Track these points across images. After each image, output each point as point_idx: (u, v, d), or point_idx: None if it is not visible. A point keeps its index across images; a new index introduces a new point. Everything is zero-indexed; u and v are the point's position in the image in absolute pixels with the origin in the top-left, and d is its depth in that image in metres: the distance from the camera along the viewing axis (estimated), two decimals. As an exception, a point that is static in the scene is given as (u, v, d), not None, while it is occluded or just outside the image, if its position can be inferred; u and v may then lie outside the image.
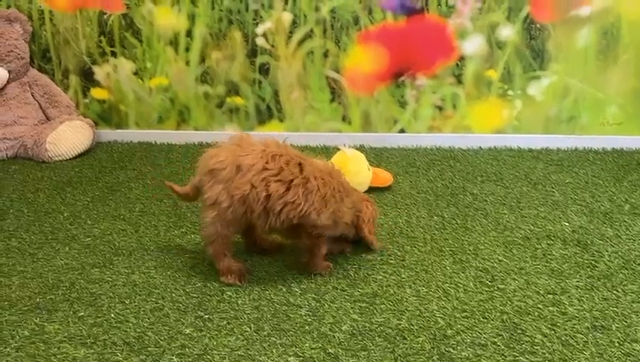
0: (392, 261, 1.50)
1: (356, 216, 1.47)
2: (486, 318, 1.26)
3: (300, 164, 1.37)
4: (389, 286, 1.38)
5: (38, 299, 1.37)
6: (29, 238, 1.67)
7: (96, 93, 2.53)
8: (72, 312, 1.32)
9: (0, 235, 1.69)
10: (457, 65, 2.27)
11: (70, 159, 2.33)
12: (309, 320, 1.27)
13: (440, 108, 2.33)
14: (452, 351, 1.15)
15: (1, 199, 1.96)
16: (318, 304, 1.33)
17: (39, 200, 1.94)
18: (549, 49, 2.23)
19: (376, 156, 2.25)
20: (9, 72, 2.39)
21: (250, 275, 1.44)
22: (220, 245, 1.42)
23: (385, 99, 2.34)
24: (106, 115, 2.55)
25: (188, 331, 1.24)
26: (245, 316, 1.29)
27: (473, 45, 2.25)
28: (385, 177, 1.93)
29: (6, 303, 1.36)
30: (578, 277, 1.41)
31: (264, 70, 2.39)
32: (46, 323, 1.28)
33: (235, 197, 1.35)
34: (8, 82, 2.41)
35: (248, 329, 1.25)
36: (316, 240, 1.41)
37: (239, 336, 1.23)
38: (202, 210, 1.43)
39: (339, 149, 1.94)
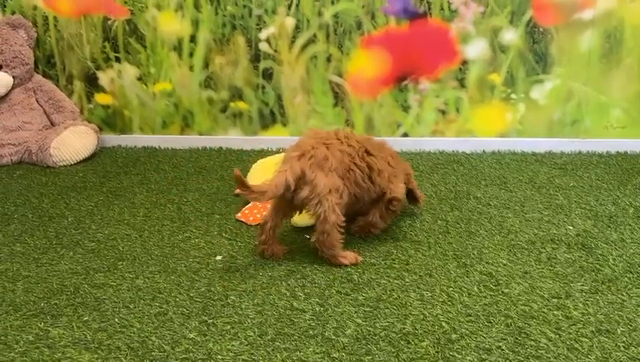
0: (396, 265, 1.49)
1: (407, 177, 1.68)
2: (490, 322, 1.25)
3: (364, 145, 1.56)
4: (393, 290, 1.38)
5: (42, 304, 1.37)
6: (34, 243, 1.68)
7: (101, 98, 2.54)
8: (76, 317, 1.32)
9: (5, 240, 1.70)
10: (460, 69, 2.27)
11: (74, 164, 2.34)
12: (313, 324, 1.27)
13: (443, 112, 2.33)
14: (456, 355, 1.15)
15: (5, 204, 1.97)
16: (322, 308, 1.32)
17: (43, 205, 1.95)
18: (552, 52, 2.23)
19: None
20: (14, 77, 2.41)
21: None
22: (337, 232, 1.47)
23: (388, 104, 2.34)
24: (110, 120, 2.56)
25: (192, 335, 1.24)
26: (249, 320, 1.29)
27: (476, 49, 2.25)
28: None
29: (10, 308, 1.36)
30: (583, 281, 1.40)
31: (267, 75, 2.40)
32: (50, 328, 1.28)
33: (351, 178, 1.50)
34: (13, 88, 2.43)
35: (252, 333, 1.25)
36: (387, 213, 1.61)
37: (243, 341, 1.23)
38: (311, 206, 1.45)
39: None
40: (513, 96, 2.29)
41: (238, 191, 1.42)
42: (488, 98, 2.30)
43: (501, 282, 1.40)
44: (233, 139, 2.48)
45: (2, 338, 1.26)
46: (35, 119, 2.46)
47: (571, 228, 1.67)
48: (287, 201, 1.49)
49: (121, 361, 1.17)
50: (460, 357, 1.15)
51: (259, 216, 1.77)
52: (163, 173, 2.24)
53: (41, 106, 2.49)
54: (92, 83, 2.52)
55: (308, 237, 1.65)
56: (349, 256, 1.50)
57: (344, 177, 1.49)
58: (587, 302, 1.32)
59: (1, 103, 2.41)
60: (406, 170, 1.70)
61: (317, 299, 1.36)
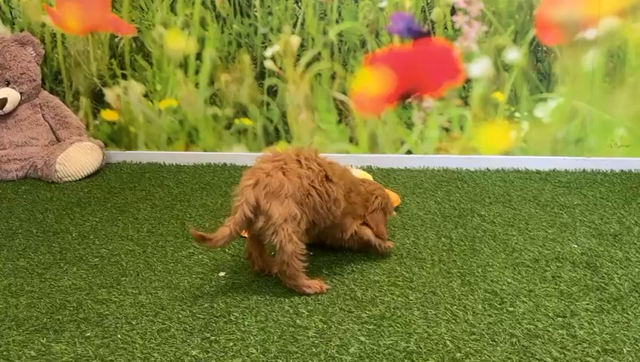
0: (399, 282, 1.49)
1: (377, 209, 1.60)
2: (495, 341, 1.24)
3: (325, 170, 1.49)
4: (397, 308, 1.37)
5: (45, 319, 1.37)
6: (38, 258, 1.68)
7: (107, 114, 2.56)
8: (79, 333, 1.32)
9: (9, 255, 1.70)
10: (464, 87, 2.28)
11: (79, 180, 2.35)
12: (316, 342, 1.26)
13: (447, 130, 2.33)
14: (461, 374, 1.14)
15: (10, 219, 1.97)
16: (325, 326, 1.32)
17: (48, 220, 1.96)
18: (556, 71, 2.24)
19: (383, 177, 2.25)
20: (21, 93, 2.43)
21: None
22: (299, 262, 1.42)
23: (392, 121, 2.35)
24: (116, 136, 2.58)
25: (194, 352, 1.23)
26: (252, 337, 1.29)
27: (480, 68, 2.26)
28: (392, 198, 1.93)
29: (13, 323, 1.36)
30: (588, 299, 1.39)
31: (272, 92, 2.42)
32: (53, 344, 1.28)
33: (310, 204, 1.43)
34: (20, 104, 2.46)
35: (255, 350, 1.24)
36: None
37: (246, 358, 1.22)
38: (266, 236, 1.40)
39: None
40: (517, 114, 2.29)
41: (201, 244, 1.42)
42: (492, 116, 2.30)
43: (506, 300, 1.39)
44: (238, 155, 2.49)
45: (4, 353, 1.25)
46: (42, 135, 2.48)
47: (576, 246, 1.66)
48: None
49: (123, 378, 1.16)
50: (464, 376, 1.13)
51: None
52: (167, 188, 2.25)
53: (48, 122, 2.51)
54: (98, 99, 2.55)
55: (311, 253, 1.65)
56: (313, 285, 1.44)
57: (302, 203, 1.41)
58: (592, 321, 1.30)
59: (8, 119, 2.43)
60: (374, 205, 1.58)
61: (320, 317, 1.35)
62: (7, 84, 2.40)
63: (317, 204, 1.44)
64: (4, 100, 2.36)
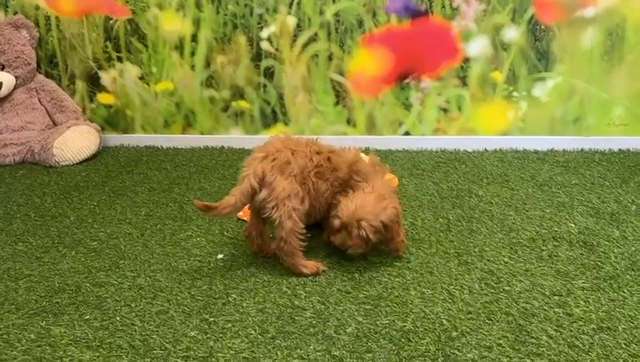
0: (397, 263, 1.49)
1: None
2: (491, 320, 1.25)
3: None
4: (394, 288, 1.38)
5: (44, 303, 1.38)
6: (36, 242, 1.68)
7: (103, 98, 2.55)
8: (77, 315, 1.33)
9: (7, 239, 1.71)
10: (462, 67, 2.27)
11: (77, 164, 2.34)
12: (314, 322, 1.27)
13: (445, 111, 2.32)
14: (457, 352, 1.15)
15: (8, 204, 1.97)
16: (322, 306, 1.32)
17: (46, 204, 1.96)
18: (554, 50, 2.22)
19: (381, 159, 2.23)
20: (16, 77, 2.41)
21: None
22: (297, 239, 1.44)
23: (390, 102, 2.34)
24: (113, 120, 2.56)
25: (193, 334, 1.24)
26: (250, 319, 1.29)
27: (478, 47, 2.24)
28: (390, 180, 1.93)
29: (13, 307, 1.37)
30: (584, 278, 1.40)
31: (269, 74, 2.40)
32: (52, 327, 1.29)
33: (310, 188, 1.46)
34: (15, 88, 2.44)
35: (253, 331, 1.25)
36: None
37: (244, 339, 1.23)
38: (267, 209, 1.41)
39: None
40: (515, 94, 2.28)
41: (206, 214, 1.44)
42: (490, 96, 2.29)
43: (502, 280, 1.40)
44: (235, 138, 2.48)
45: (4, 336, 1.26)
46: (38, 119, 2.46)
47: (573, 225, 1.66)
48: None
49: (123, 359, 1.17)
50: (460, 354, 1.14)
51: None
52: (165, 172, 2.25)
53: (44, 106, 2.49)
54: (94, 82, 2.53)
55: (309, 235, 1.65)
56: (310, 266, 1.45)
57: (302, 184, 1.44)
58: (588, 299, 1.31)
59: (4, 103, 2.42)
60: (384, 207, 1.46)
61: (318, 297, 1.36)
62: (2, 68, 2.38)
63: (318, 190, 1.48)
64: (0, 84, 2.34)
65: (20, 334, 1.27)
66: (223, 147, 2.49)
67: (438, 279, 1.41)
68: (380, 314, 1.29)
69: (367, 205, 1.43)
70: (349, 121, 2.39)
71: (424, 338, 1.19)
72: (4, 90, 2.37)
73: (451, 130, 2.34)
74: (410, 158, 2.25)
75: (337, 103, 2.38)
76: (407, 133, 2.36)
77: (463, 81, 2.28)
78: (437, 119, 2.33)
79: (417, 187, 1.98)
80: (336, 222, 1.45)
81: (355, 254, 1.48)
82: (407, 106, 2.33)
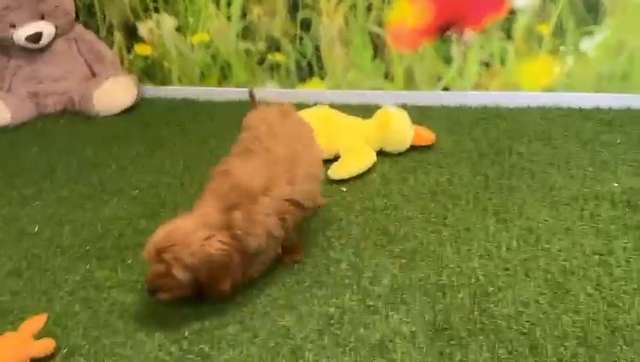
0: (433, 219, 1.48)
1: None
2: (529, 277, 1.24)
3: None
4: (430, 243, 1.38)
5: (88, 247, 1.43)
6: (79, 190, 1.73)
7: (140, 49, 2.55)
8: (120, 260, 1.37)
9: (51, 186, 1.76)
10: (507, 19, 2.17)
11: (115, 114, 2.38)
12: (349, 273, 1.28)
13: (487, 65, 2.25)
14: (493, 307, 1.15)
15: (51, 152, 2.03)
16: (357, 259, 1.33)
17: (87, 153, 2.00)
18: (604, 2, 2.10)
19: (419, 114, 2.20)
20: (56, 27, 2.43)
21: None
22: None
23: (429, 55, 2.28)
24: (150, 71, 2.58)
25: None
26: (286, 268, 1.31)
27: (524, -2, 2.14)
28: (427, 136, 1.90)
29: (58, 250, 1.42)
30: (626, 238, 1.36)
31: (305, 25, 2.35)
32: (96, 270, 1.34)
33: None
34: (55, 38, 2.46)
35: (289, 280, 1.27)
36: None
37: (281, 287, 1.25)
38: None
39: (380, 107, 1.92)
40: (562, 48, 2.18)
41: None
42: (535, 50, 2.20)
43: (541, 238, 1.38)
44: (270, 92, 2.47)
45: (51, 277, 1.32)
46: (77, 69, 2.49)
47: (616, 185, 1.61)
48: None
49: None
50: (496, 309, 1.14)
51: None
52: (201, 124, 2.26)
53: (83, 56, 2.52)
54: (131, 33, 2.53)
55: (344, 190, 1.66)
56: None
57: None
58: (630, 259, 1.28)
59: (44, 53, 2.45)
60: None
61: (353, 250, 1.37)
62: (42, 17, 2.40)
63: None
64: (39, 34, 2.37)
65: (65, 276, 1.32)
66: (258, 100, 2.48)
67: (474, 236, 1.40)
68: (414, 268, 1.29)
69: (178, 232, 1.11)
70: (386, 76, 2.34)
71: (459, 293, 1.19)
72: (45, 40, 2.39)
73: (493, 85, 2.26)
74: (448, 115, 2.20)
75: (375, 57, 2.33)
76: (446, 89, 2.30)
77: (508, 34, 2.19)
78: (478, 74, 2.26)
79: (455, 143, 1.94)
80: (144, 254, 1.13)
81: (166, 300, 1.13)
82: (448, 60, 2.27)
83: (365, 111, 2.01)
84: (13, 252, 1.42)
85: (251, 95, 1.49)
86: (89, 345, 1.11)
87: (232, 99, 2.50)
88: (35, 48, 2.39)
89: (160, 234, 1.11)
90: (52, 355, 1.06)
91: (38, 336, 1.06)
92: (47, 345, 1.04)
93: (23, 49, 2.39)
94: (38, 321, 1.06)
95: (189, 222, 1.12)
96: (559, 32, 2.17)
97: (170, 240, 1.09)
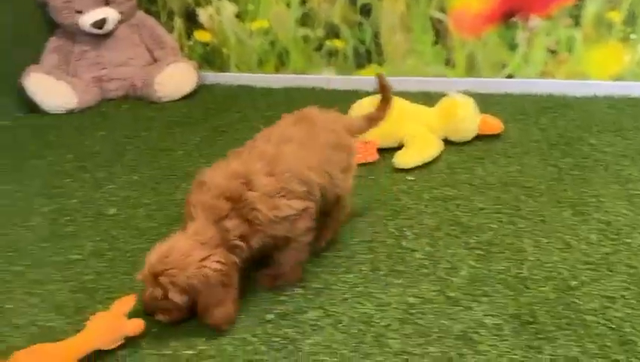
0: (506, 210, 1.46)
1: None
2: (612, 271, 1.21)
3: None
4: (506, 235, 1.35)
5: (163, 230, 1.46)
6: (149, 173, 1.77)
7: (200, 35, 2.58)
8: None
9: (122, 170, 1.81)
10: (576, 5, 2.10)
11: (176, 100, 2.41)
12: (425, 263, 1.27)
13: (553, 52, 2.18)
14: (578, 301, 1.12)
15: (116, 136, 2.08)
16: (432, 249, 1.32)
17: (152, 138, 2.04)
18: (684, -13, 2.01)
19: (481, 102, 2.15)
20: (120, 13, 2.47)
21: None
22: None
23: (493, 42, 2.22)
24: (209, 58, 2.60)
25: (307, 266, 1.28)
26: (360, 256, 1.32)
27: (595, -17, 2.07)
28: (494, 124, 1.86)
29: (136, 232, 1.46)
30: None
31: (365, 11, 2.33)
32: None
33: None
34: (118, 24, 2.50)
35: (365, 268, 1.27)
36: None
37: (357, 274, 1.25)
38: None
39: (442, 95, 1.89)
40: (632, 36, 2.10)
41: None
42: (605, 38, 2.12)
43: (622, 232, 1.34)
44: (327, 78, 2.46)
45: (131, 259, 1.36)
46: (139, 55, 2.54)
47: (698, 179, 1.55)
48: None
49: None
50: (582, 303, 1.12)
51: (360, 156, 1.75)
52: (260, 111, 2.27)
53: (144, 42, 2.56)
54: (192, 19, 2.56)
55: (411, 178, 1.64)
56: None
57: None
58: None
59: (108, 39, 2.49)
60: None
61: (426, 240, 1.36)
62: (107, 3, 2.44)
63: None
64: (104, 20, 2.41)
65: (144, 258, 1.35)
66: (314, 88, 2.48)
67: (552, 228, 1.37)
68: (492, 259, 1.27)
69: (174, 253, 1.06)
70: (447, 62, 2.30)
71: (543, 286, 1.17)
72: (109, 25, 2.44)
73: (559, 73, 2.20)
74: (512, 103, 2.15)
75: (436, 43, 2.29)
76: (510, 76, 2.25)
77: (576, 21, 2.12)
78: (544, 61, 2.20)
79: (522, 133, 1.90)
80: (138, 276, 1.10)
81: (167, 321, 1.11)
82: (513, 47, 2.21)
83: (425, 98, 1.99)
84: (93, 233, 1.47)
85: (380, 79, 1.40)
86: (173, 325, 1.13)
87: (288, 86, 2.50)
88: (99, 34, 2.44)
89: (155, 257, 1.07)
90: (142, 334, 1.08)
91: (129, 316, 1.09)
92: (138, 325, 1.07)
93: (88, 35, 2.44)
94: (129, 301, 1.09)
95: (184, 241, 1.08)
96: (631, 19, 2.08)
97: (167, 263, 1.05)
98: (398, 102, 1.90)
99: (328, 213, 1.30)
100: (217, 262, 1.06)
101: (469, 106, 1.83)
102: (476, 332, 1.06)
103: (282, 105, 2.31)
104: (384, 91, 1.41)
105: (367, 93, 2.31)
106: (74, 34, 2.46)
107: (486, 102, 2.15)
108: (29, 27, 2.43)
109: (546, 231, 1.36)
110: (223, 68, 2.59)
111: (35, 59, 2.43)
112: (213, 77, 2.60)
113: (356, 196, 1.56)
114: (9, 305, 1.23)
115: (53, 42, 2.46)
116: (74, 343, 1.02)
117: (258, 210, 1.10)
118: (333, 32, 2.40)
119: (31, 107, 2.34)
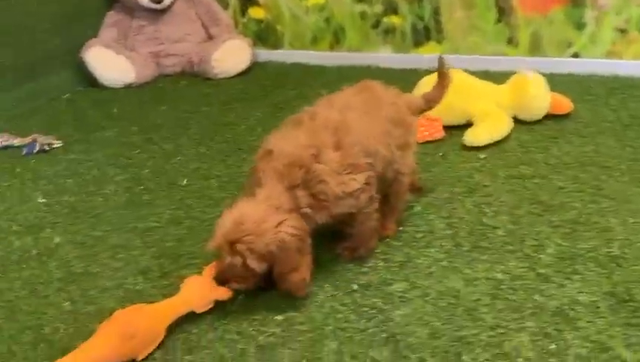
0: (587, 189, 1.42)
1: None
2: None
3: None
4: (590, 214, 1.32)
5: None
6: (216, 146, 1.78)
7: (254, 12, 2.56)
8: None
9: (189, 142, 1.82)
10: (650, -18, 2.03)
11: (232, 77, 2.41)
12: (509, 240, 1.25)
13: (622, 31, 2.11)
14: (676, 282, 1.09)
15: (178, 111, 2.09)
16: (514, 226, 1.30)
17: (214, 113, 2.05)
18: None
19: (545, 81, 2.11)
20: (177, -12, 2.48)
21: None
22: None
23: (559, 20, 2.16)
24: (263, 35, 2.59)
25: (386, 240, 1.27)
26: (440, 231, 1.30)
27: (671, -41, 1.99)
28: (565, 103, 1.81)
29: (211, 202, 1.47)
30: None
31: (426, -13, 2.29)
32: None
33: None
34: (175, -1, 2.50)
35: (447, 243, 1.26)
36: None
37: (439, 249, 1.24)
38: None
39: (502, 74, 1.84)
40: None
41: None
42: (679, 16, 2.05)
43: None
44: (383, 57, 2.42)
45: (209, 227, 1.34)
46: (195, 31, 2.54)
47: None
48: None
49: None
50: (680, 284, 1.08)
51: (426, 133, 1.73)
52: (315, 89, 2.25)
53: (200, 18, 2.55)
54: (247, -4, 2.55)
55: (482, 156, 1.62)
56: None
57: None
58: None
59: (165, 14, 2.50)
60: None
61: (507, 217, 1.33)
62: (165, -22, 2.45)
63: None
64: (162, -5, 2.42)
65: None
66: (369, 66, 2.44)
67: (637, 208, 1.33)
68: (579, 238, 1.24)
69: (248, 220, 1.03)
70: (510, 41, 2.24)
71: (636, 265, 1.14)
72: (167, 0, 2.44)
73: (628, 53, 2.13)
74: (578, 83, 2.09)
75: (499, 20, 2.23)
76: (575, 55, 2.19)
77: (649, -1, 2.05)
78: (612, 41, 2.13)
79: (592, 113, 1.84)
80: (210, 245, 1.07)
81: (240, 289, 1.09)
82: (580, 26, 2.14)
83: (484, 77, 1.94)
84: (169, 202, 1.48)
85: (441, 62, 1.38)
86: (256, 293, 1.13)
87: (342, 64, 2.48)
88: (156, 9, 2.44)
89: (229, 224, 1.04)
90: (231, 300, 1.09)
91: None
92: (228, 289, 1.07)
93: (146, 9, 2.45)
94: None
95: (256, 207, 1.05)
96: None
97: (242, 231, 1.02)
98: (466, 79, 1.87)
99: (388, 197, 1.26)
100: (293, 226, 1.04)
101: (541, 84, 1.78)
102: (572, 309, 1.04)
103: (336, 83, 2.27)
104: (442, 73, 1.38)
105: (426, 72, 2.28)
106: (132, 9, 2.47)
107: (550, 82, 2.09)
108: (88, 2, 2.45)
109: (633, 210, 1.32)
110: (276, 45, 2.58)
111: (94, 34, 2.44)
112: (266, 54, 2.59)
113: (426, 172, 1.54)
114: (95, 268, 1.25)
115: (111, 17, 2.48)
116: (170, 305, 1.03)
117: (326, 183, 1.08)
118: (391, 8, 2.36)
119: (90, 81, 2.37)
